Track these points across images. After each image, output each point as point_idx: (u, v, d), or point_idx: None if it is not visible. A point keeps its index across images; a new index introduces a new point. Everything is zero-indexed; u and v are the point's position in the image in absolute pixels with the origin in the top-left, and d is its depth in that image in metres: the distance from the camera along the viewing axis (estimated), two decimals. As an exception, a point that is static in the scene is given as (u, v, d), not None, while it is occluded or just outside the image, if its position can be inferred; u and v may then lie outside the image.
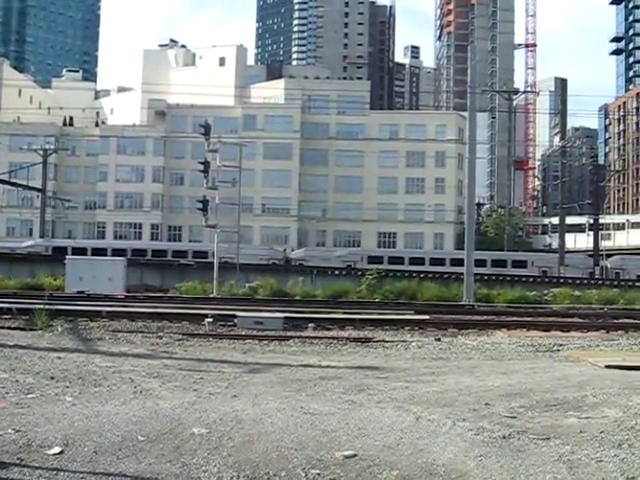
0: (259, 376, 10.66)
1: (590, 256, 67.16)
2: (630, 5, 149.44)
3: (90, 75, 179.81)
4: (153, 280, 41.91)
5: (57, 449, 5.96)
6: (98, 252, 54.50)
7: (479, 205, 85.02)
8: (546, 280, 45.42)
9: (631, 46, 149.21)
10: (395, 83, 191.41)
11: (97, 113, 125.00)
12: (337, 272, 45.72)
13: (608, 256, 68.21)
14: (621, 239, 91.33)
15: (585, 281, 45.61)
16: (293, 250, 73.01)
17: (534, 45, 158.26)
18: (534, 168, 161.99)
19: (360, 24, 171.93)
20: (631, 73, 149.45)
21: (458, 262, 53.71)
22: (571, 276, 50.07)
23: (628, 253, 73.99)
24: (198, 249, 62.79)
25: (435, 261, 61.08)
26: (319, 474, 5.59)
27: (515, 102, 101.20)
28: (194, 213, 48.92)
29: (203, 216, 38.03)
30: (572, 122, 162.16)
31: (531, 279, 46.45)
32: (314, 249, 73.98)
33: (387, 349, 15.20)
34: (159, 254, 59.29)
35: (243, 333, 17.35)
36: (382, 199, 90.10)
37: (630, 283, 44.63)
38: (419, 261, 60.61)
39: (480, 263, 39.98)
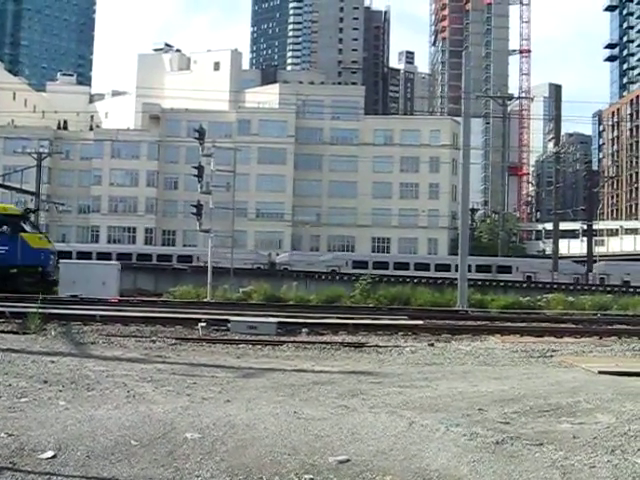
0: (252, 381, 10.62)
1: (577, 262, 67.52)
2: (624, 12, 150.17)
3: (85, 79, 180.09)
4: (147, 284, 41.84)
5: (50, 453, 5.94)
6: (83, 256, 54.42)
7: (473, 210, 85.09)
8: (539, 286, 45.48)
9: (625, 53, 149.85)
10: (390, 88, 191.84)
11: (91, 117, 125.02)
12: (331, 277, 45.86)
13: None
14: (614, 245, 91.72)
15: (579, 287, 45.72)
16: (278, 255, 72.89)
17: (528, 51, 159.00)
18: (528, 174, 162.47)
19: (355, 29, 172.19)
20: (625, 80, 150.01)
21: (443, 267, 54.09)
22: (564, 282, 50.19)
23: (621, 259, 74.29)
24: (182, 253, 62.96)
25: (420, 266, 61.51)
26: (312, 479, 5.59)
27: (509, 108, 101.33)
28: (188, 217, 48.93)
29: (197, 220, 38.02)
30: (566, 128, 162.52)
31: (524, 285, 46.59)
32: (299, 253, 73.90)
33: (381, 354, 15.16)
34: (144, 258, 59.36)
35: (237, 338, 17.28)
36: (376, 204, 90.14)
37: (624, 289, 44.74)
38: (404, 266, 60.94)
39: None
